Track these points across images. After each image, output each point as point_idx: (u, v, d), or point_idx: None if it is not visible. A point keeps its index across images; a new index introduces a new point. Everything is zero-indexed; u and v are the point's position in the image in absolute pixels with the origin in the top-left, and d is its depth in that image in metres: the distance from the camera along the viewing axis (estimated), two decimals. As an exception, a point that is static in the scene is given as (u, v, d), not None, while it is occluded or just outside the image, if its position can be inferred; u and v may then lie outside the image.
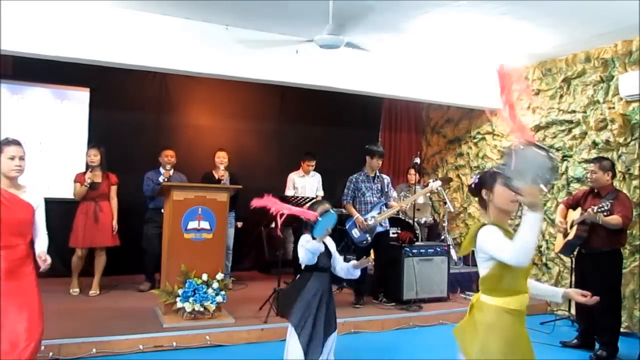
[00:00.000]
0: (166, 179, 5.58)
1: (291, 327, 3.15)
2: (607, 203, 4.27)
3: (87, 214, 5.34)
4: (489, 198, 2.32)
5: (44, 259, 2.94)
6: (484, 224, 2.26)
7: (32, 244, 3.02)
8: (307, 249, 3.12)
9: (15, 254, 2.89)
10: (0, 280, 2.80)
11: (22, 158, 2.95)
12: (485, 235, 2.19)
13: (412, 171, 6.83)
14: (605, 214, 4.23)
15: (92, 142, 5.78)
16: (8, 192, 2.91)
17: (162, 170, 5.76)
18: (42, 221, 3.08)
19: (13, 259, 2.88)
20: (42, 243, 3.06)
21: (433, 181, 6.03)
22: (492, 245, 2.14)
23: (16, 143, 2.96)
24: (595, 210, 4.23)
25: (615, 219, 4.23)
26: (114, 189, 5.56)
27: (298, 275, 3.47)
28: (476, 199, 2.44)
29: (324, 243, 3.30)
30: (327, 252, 3.33)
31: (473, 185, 2.40)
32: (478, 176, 2.41)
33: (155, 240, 5.56)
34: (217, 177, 5.91)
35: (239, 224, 6.21)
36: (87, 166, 5.47)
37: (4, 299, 2.81)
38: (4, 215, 2.84)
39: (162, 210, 5.52)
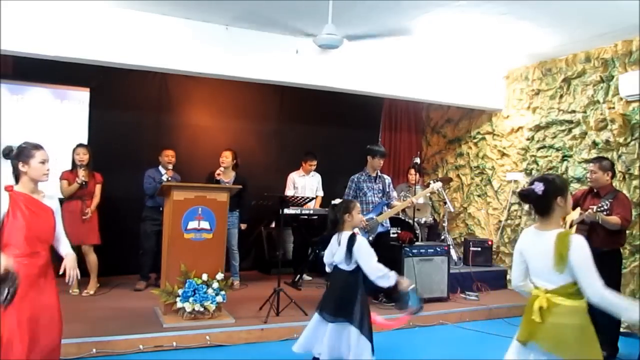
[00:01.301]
0: (170, 178, 5.63)
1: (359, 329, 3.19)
2: (607, 202, 4.26)
3: (74, 212, 5.33)
4: (562, 205, 2.35)
5: (71, 269, 2.93)
6: (568, 233, 2.31)
7: (51, 249, 2.96)
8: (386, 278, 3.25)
9: (40, 261, 2.82)
10: (27, 288, 2.71)
11: (48, 162, 2.92)
12: (585, 253, 2.32)
13: (412, 171, 6.82)
14: (604, 213, 4.22)
15: (91, 142, 5.78)
16: (32, 197, 2.84)
17: (161, 169, 5.78)
18: (60, 225, 3.00)
19: (39, 265, 2.81)
20: (65, 247, 3.02)
21: (434, 182, 6.03)
22: (589, 268, 2.31)
23: (42, 147, 2.92)
24: (594, 210, 4.22)
25: (614, 220, 4.22)
26: (99, 187, 5.57)
27: (327, 276, 3.54)
28: (527, 204, 2.46)
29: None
30: None
31: (541, 193, 2.33)
32: (543, 183, 2.35)
33: (154, 238, 5.58)
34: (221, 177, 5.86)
35: (243, 226, 6.14)
36: (74, 164, 5.44)
37: (31, 306, 2.73)
38: (30, 222, 2.77)
39: (161, 208, 5.53)
